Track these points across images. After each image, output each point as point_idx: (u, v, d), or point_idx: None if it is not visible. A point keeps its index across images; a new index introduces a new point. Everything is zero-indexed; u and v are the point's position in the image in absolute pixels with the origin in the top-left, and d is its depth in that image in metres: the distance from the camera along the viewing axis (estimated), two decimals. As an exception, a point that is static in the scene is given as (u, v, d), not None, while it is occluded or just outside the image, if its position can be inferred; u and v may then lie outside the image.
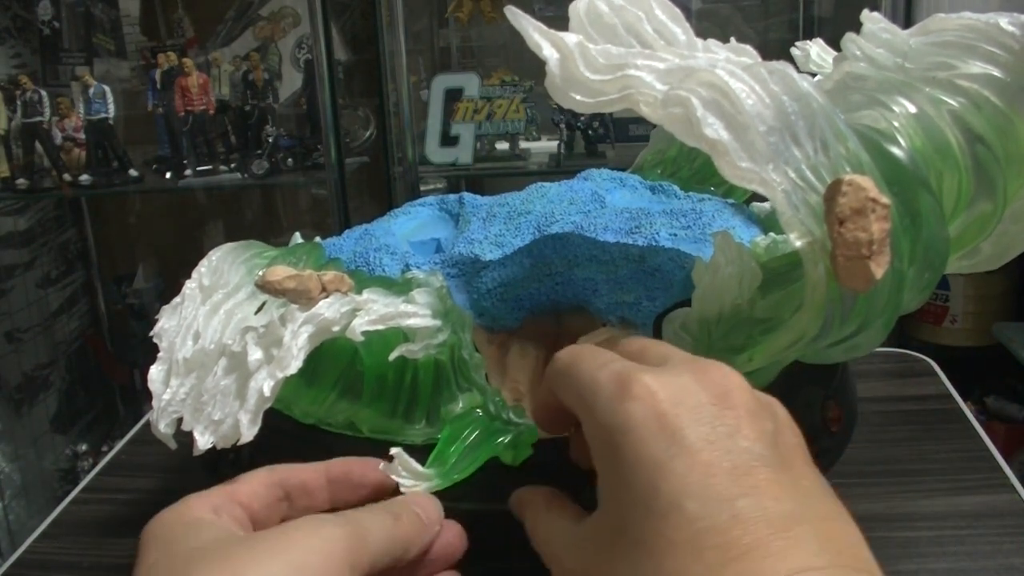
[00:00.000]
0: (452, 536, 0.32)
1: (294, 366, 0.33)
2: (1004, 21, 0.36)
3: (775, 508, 0.23)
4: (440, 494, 0.33)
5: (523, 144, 1.50)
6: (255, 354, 0.34)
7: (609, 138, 1.47)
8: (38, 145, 1.51)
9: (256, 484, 0.30)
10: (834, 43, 0.42)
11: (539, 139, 1.54)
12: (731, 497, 0.24)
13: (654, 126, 0.52)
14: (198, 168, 1.55)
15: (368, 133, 1.60)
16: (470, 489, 0.34)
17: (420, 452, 0.37)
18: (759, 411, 0.26)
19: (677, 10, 0.40)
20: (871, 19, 0.39)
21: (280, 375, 0.33)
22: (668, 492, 0.24)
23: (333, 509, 0.32)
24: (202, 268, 0.43)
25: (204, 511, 0.28)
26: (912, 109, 0.36)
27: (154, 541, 0.27)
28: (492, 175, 1.56)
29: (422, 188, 1.48)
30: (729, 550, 0.23)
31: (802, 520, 0.23)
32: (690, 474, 0.24)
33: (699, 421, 0.25)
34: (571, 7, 0.40)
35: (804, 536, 0.23)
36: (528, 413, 0.36)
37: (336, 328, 0.34)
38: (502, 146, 1.49)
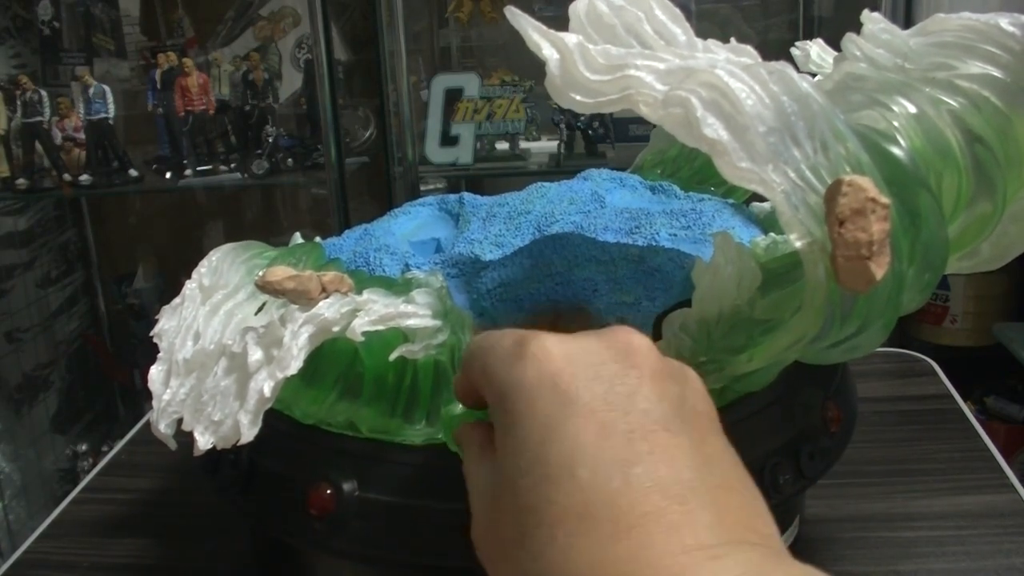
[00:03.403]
0: None
1: (294, 367, 0.33)
2: (1004, 22, 0.36)
3: (670, 475, 0.22)
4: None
5: (523, 144, 1.50)
6: (255, 354, 0.34)
7: (609, 138, 1.47)
8: (38, 145, 1.51)
9: None
10: (834, 43, 0.42)
11: (539, 139, 1.54)
12: (625, 462, 0.22)
13: (654, 126, 0.52)
14: (198, 168, 1.55)
15: (368, 133, 1.60)
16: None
17: (420, 452, 0.37)
18: (665, 373, 0.25)
19: (677, 10, 0.40)
20: (871, 19, 0.39)
21: (280, 376, 0.33)
22: (559, 455, 0.22)
23: None
24: (202, 269, 0.43)
25: None
26: (912, 109, 0.36)
27: None
28: (492, 175, 1.56)
29: (422, 188, 1.48)
30: (619, 522, 0.21)
31: (699, 489, 0.22)
32: (582, 436, 0.22)
33: (596, 380, 0.24)
34: (571, 7, 0.40)
35: (699, 507, 0.22)
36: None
37: (336, 328, 0.34)
38: (502, 146, 1.49)
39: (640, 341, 0.25)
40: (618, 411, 0.23)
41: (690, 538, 0.21)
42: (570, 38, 0.36)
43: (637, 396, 0.24)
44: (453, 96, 1.46)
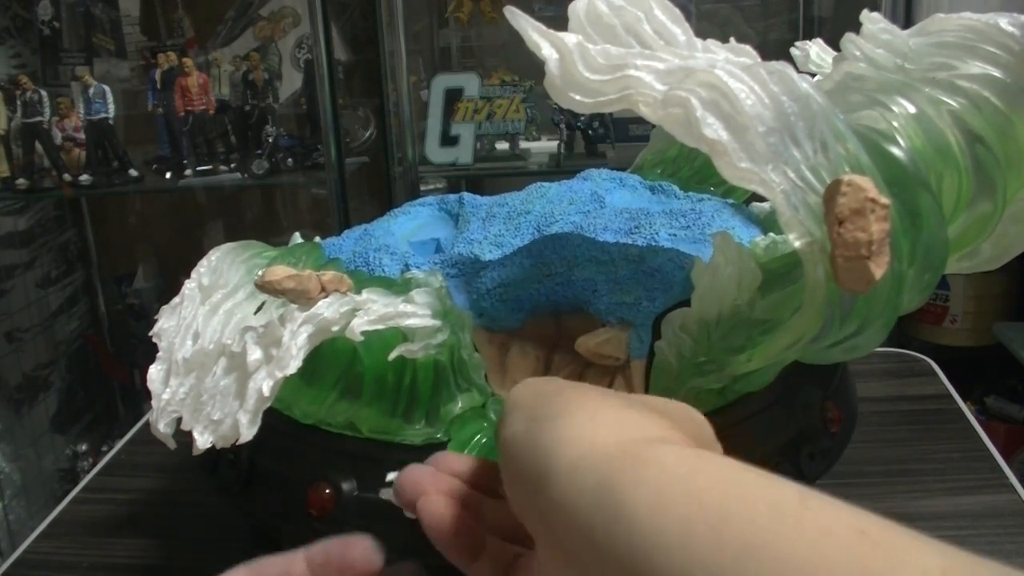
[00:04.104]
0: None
1: (293, 366, 0.33)
2: (1004, 22, 0.36)
3: None
4: None
5: (523, 144, 1.49)
6: (254, 354, 0.34)
7: (609, 138, 1.46)
8: (38, 145, 1.51)
9: None
10: (834, 43, 0.42)
11: (539, 139, 1.54)
12: None
13: (654, 126, 0.52)
14: (198, 168, 1.54)
15: (368, 133, 1.60)
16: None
17: (419, 452, 0.37)
18: None
19: (677, 11, 0.40)
20: (871, 19, 0.39)
21: (279, 375, 0.33)
22: None
23: None
24: (201, 268, 0.43)
25: None
26: (912, 110, 0.36)
27: None
28: (492, 175, 1.56)
29: (422, 188, 1.48)
30: None
31: None
32: None
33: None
34: (571, 7, 0.40)
35: None
36: None
37: (335, 328, 0.34)
38: (502, 146, 1.49)
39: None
40: None
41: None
42: (570, 38, 0.36)
43: None
44: (453, 96, 1.45)
